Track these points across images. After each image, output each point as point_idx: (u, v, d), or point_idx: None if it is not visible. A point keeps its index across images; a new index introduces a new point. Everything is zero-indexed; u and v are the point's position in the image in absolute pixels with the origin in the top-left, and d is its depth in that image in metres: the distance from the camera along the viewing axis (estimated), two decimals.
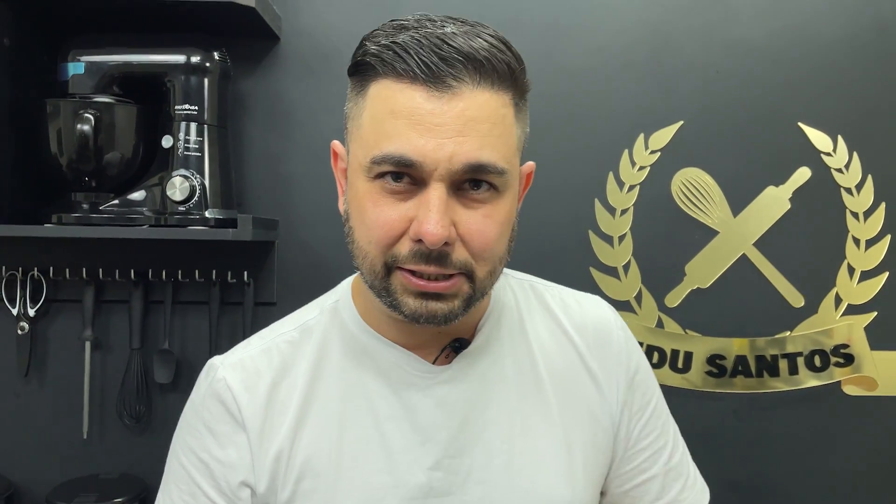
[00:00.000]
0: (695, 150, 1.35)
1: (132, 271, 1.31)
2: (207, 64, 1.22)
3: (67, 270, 1.31)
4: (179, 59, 1.20)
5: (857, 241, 1.35)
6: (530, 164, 0.72)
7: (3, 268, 1.32)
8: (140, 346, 1.33)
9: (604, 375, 0.75)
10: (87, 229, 1.18)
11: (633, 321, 1.35)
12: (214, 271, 1.31)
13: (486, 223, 0.62)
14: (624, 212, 1.36)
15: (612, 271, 1.36)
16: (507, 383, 0.72)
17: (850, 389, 1.35)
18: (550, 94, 1.33)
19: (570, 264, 1.35)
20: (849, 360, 1.35)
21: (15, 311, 1.32)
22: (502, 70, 0.61)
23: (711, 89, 1.34)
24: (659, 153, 1.35)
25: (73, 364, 1.34)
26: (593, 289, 1.35)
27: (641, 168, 1.35)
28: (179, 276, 1.31)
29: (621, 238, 1.36)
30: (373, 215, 0.62)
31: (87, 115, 1.15)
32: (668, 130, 1.35)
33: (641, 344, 1.32)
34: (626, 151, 1.35)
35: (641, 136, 1.35)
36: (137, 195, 1.21)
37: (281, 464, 0.69)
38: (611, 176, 1.35)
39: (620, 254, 1.36)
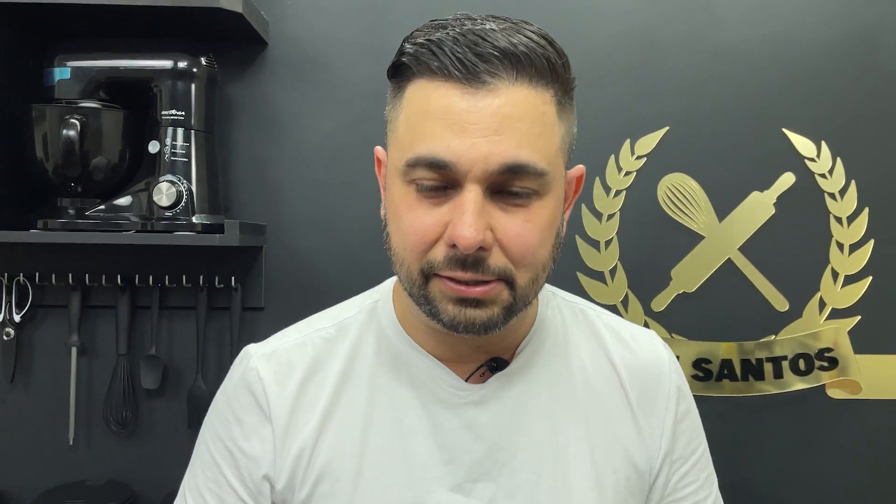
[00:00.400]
0: (680, 156, 1.36)
1: (119, 277, 1.30)
2: (194, 69, 1.22)
3: (53, 276, 1.31)
4: (166, 64, 1.20)
5: (840, 246, 1.36)
6: (580, 167, 0.69)
7: None
8: (127, 352, 1.33)
9: (647, 419, 0.71)
10: (73, 235, 1.17)
11: None
12: (202, 276, 1.31)
13: (526, 227, 0.59)
14: (610, 217, 1.37)
15: (598, 276, 1.37)
16: (542, 412, 0.69)
17: (834, 393, 1.37)
18: None
19: (558, 269, 1.35)
20: (833, 363, 1.36)
21: (0, 317, 1.32)
22: (541, 65, 0.59)
23: (697, 95, 1.35)
24: (645, 159, 1.36)
25: (59, 370, 1.33)
26: (580, 293, 1.36)
27: (628, 173, 1.36)
28: (166, 282, 1.31)
29: (608, 243, 1.37)
30: (407, 220, 0.60)
31: (73, 120, 1.14)
32: (653, 136, 1.36)
33: None
34: (612, 157, 1.36)
35: (627, 141, 1.36)
36: (124, 200, 1.20)
37: (302, 462, 0.68)
38: (597, 181, 1.36)
39: (607, 258, 1.37)
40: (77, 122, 1.14)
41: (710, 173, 1.35)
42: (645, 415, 0.71)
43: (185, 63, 1.21)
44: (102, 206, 1.20)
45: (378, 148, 0.70)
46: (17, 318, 1.32)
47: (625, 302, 1.37)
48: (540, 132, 0.59)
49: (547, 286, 0.75)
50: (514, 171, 0.58)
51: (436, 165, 0.58)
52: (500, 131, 0.57)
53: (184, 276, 1.31)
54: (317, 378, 0.70)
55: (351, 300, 0.77)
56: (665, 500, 0.72)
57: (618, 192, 1.37)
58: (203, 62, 1.23)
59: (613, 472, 0.69)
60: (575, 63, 1.43)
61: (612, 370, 0.72)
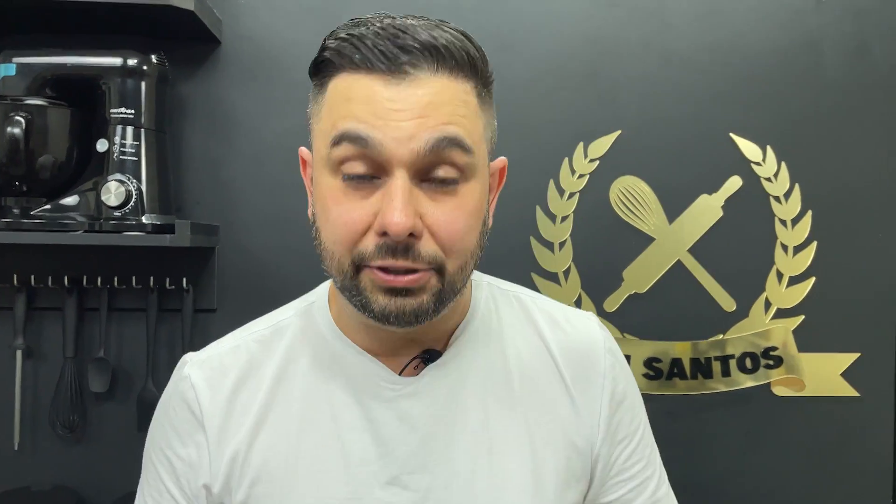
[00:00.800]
0: (632, 159, 1.38)
1: (66, 278, 1.27)
2: (144, 67, 1.20)
3: None
4: (115, 61, 1.18)
5: (785, 248, 1.40)
6: (502, 159, 0.71)
7: None
8: (74, 355, 1.30)
9: (584, 399, 0.71)
10: (17, 235, 1.15)
11: None
12: (152, 278, 1.29)
13: (454, 214, 0.60)
14: (564, 218, 1.39)
15: (552, 277, 1.39)
16: (477, 401, 0.69)
17: (779, 390, 1.41)
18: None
19: (513, 270, 1.36)
20: (778, 362, 1.40)
21: None
22: (461, 58, 0.60)
23: (648, 100, 1.38)
24: (598, 162, 1.38)
25: (2, 373, 1.30)
26: None
27: (581, 176, 1.38)
28: (115, 283, 1.29)
29: (561, 244, 1.39)
30: (335, 213, 0.60)
31: (17, 117, 1.12)
32: (606, 139, 1.38)
33: None
34: (566, 160, 1.38)
35: (581, 144, 1.38)
36: (71, 200, 1.18)
37: (236, 465, 0.67)
38: (551, 183, 1.38)
39: (560, 259, 1.39)
40: (22, 120, 1.12)
41: (661, 176, 1.38)
42: (581, 395, 0.72)
43: (135, 61, 1.19)
44: (48, 206, 1.18)
45: (302, 149, 0.70)
46: None
47: (578, 302, 1.39)
48: (464, 114, 0.60)
49: (482, 276, 0.76)
50: (441, 147, 0.58)
51: (361, 141, 0.58)
52: (424, 114, 0.58)
53: (133, 278, 1.28)
54: (251, 381, 0.70)
55: (288, 304, 0.77)
56: (612, 480, 0.73)
57: (571, 195, 1.38)
58: (154, 60, 1.22)
59: (553, 455, 0.69)
60: (530, 69, 1.45)
61: (547, 353, 0.72)
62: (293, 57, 1.33)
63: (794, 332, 1.40)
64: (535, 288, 1.38)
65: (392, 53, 0.58)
